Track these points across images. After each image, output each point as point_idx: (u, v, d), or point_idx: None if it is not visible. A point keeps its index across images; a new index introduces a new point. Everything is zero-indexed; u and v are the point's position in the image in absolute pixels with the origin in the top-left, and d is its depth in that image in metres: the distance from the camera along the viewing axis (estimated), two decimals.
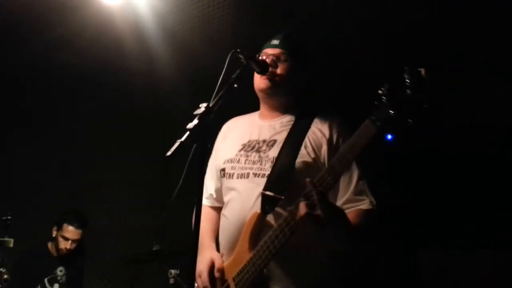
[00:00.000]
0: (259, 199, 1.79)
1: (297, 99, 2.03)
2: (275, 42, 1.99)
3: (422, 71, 1.46)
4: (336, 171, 1.59)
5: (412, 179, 4.40)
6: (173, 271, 3.20)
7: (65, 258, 3.75)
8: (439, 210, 4.16)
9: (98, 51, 3.76)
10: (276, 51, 1.96)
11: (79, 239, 3.77)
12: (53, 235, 3.76)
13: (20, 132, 4.33)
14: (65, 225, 3.70)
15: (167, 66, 3.81)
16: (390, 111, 1.50)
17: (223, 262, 1.85)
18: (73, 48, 3.78)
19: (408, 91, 1.47)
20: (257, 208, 1.77)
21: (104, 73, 3.97)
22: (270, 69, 1.91)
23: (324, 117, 1.94)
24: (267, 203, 1.76)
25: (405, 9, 3.25)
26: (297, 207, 1.60)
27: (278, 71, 1.92)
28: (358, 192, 1.78)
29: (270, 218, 1.76)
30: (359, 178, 1.79)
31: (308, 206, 1.56)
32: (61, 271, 3.71)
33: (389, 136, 4.69)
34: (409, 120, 1.50)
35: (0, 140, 4.26)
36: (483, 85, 3.73)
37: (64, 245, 3.70)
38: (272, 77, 1.91)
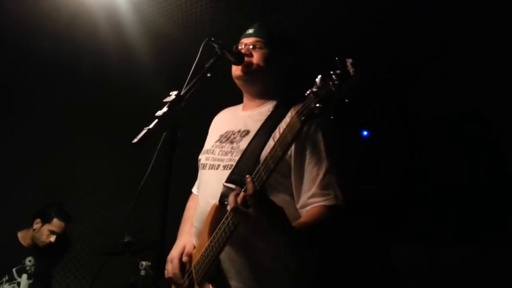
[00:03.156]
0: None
1: (277, 87, 1.99)
2: (250, 31, 1.98)
3: (348, 62, 1.35)
4: (268, 166, 1.51)
5: (389, 174, 4.42)
6: (144, 263, 3.18)
7: (41, 250, 3.68)
8: (416, 205, 4.19)
9: (72, 36, 3.66)
10: (251, 39, 1.95)
11: (63, 233, 3.73)
12: (34, 227, 3.68)
13: None
14: (55, 219, 3.67)
15: (143, 52, 3.75)
16: (317, 104, 1.41)
17: (194, 248, 1.86)
18: (47, 34, 3.66)
19: (331, 83, 1.36)
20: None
21: (78, 59, 3.87)
22: (246, 58, 1.89)
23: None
24: (227, 195, 1.68)
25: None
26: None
27: (254, 59, 1.91)
28: (324, 186, 1.69)
29: None
30: (327, 171, 1.70)
31: (239, 200, 1.48)
32: (30, 261, 3.65)
33: (365, 132, 4.71)
34: (331, 116, 1.42)
35: None
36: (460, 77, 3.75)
37: (49, 238, 3.65)
38: (248, 66, 1.90)
